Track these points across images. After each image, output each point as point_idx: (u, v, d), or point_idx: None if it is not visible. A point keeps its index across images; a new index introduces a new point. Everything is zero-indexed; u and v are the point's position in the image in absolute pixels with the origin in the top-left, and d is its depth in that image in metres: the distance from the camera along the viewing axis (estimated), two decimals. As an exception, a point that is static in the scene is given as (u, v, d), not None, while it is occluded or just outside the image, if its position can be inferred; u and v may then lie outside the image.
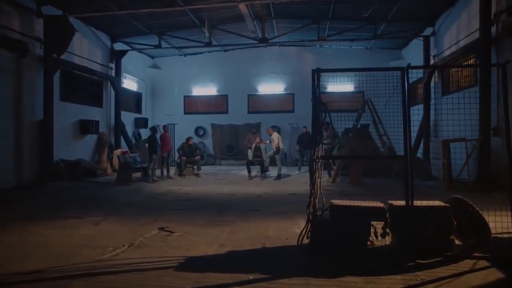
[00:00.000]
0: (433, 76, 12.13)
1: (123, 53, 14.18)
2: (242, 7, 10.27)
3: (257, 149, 11.81)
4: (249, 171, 11.67)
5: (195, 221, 5.66)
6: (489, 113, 8.51)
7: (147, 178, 10.76)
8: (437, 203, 4.01)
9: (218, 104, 17.76)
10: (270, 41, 13.30)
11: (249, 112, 17.38)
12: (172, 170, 12.26)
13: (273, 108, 17.30)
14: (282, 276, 3.33)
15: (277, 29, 14.35)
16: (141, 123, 16.23)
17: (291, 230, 5.05)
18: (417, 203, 3.99)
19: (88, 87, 12.86)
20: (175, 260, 3.78)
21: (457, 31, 10.68)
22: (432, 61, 12.36)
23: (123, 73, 14.65)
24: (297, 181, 11.10)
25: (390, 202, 4.18)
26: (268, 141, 12.35)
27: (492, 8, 8.61)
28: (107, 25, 12.91)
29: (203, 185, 10.22)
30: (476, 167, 8.88)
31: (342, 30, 13.16)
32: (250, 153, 12.93)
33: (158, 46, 13.90)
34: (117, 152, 13.29)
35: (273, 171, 12.39)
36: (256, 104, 17.52)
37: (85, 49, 12.35)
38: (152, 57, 17.62)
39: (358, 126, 11.18)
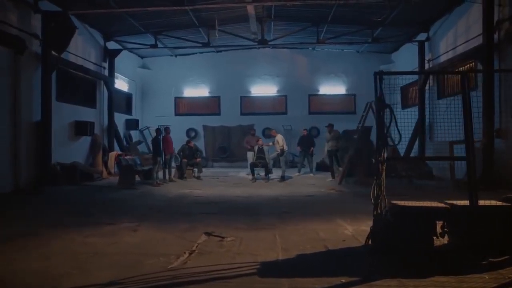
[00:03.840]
0: (428, 79, 12.59)
1: (116, 52, 13.68)
2: (249, 8, 10.20)
3: (260, 151, 11.75)
4: (253, 173, 11.59)
5: (234, 225, 5.53)
6: (492, 115, 8.92)
7: (152, 181, 10.43)
8: (499, 202, 4.15)
9: (210, 106, 17.53)
10: (269, 42, 13.30)
11: (241, 114, 17.27)
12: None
13: (266, 109, 17.31)
14: (372, 278, 3.31)
15: (274, 31, 14.38)
16: (132, 124, 15.70)
17: (341, 232, 5.06)
18: (480, 203, 4.10)
19: (82, 87, 12.30)
20: (251, 266, 3.67)
21: (454, 37, 11.15)
22: (427, 66, 12.83)
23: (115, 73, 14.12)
24: (302, 182, 11.15)
25: (450, 202, 4.27)
26: (271, 143, 12.33)
27: (494, 16, 9.06)
28: (102, 23, 12.41)
29: (211, 187, 10.04)
30: (480, 168, 9.28)
31: (340, 34, 13.39)
32: (249, 155, 12.85)
33: (155, 46, 13.52)
34: (113, 154, 12.81)
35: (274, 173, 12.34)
36: (249, 105, 17.45)
37: (80, 47, 11.79)
38: (142, 57, 17.11)
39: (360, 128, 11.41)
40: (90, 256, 3.97)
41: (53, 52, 9.76)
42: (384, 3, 9.54)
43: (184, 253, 4.10)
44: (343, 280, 3.27)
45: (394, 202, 4.29)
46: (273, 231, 5.09)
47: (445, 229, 4.23)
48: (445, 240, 4.26)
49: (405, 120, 13.78)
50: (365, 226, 5.28)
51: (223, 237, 4.77)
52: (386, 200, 4.36)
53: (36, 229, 5.18)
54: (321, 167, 14.30)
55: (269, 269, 3.62)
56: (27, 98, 9.33)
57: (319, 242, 4.53)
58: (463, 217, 4.08)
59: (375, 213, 4.23)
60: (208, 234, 4.93)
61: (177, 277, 3.36)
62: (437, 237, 4.21)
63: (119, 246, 4.40)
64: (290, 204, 7.47)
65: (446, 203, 4.28)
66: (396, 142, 4.43)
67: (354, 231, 5.08)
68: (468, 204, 4.10)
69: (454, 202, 4.25)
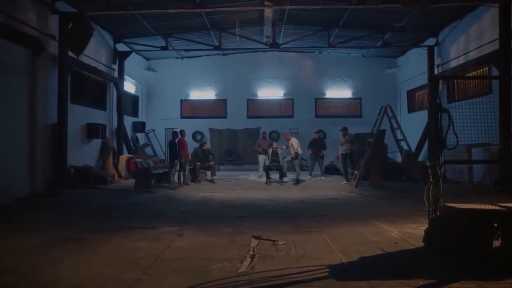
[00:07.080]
0: (438, 84, 12.78)
1: (126, 54, 13.55)
2: (267, 11, 10.22)
3: (275, 154, 11.76)
4: (267, 177, 11.55)
5: (277, 228, 5.51)
6: (508, 120, 9.08)
7: (169, 184, 10.34)
8: (554, 205, 4.23)
9: (217, 109, 17.47)
10: (281, 46, 13.34)
11: (248, 117, 17.26)
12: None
13: (272, 113, 17.33)
14: (450, 280, 3.34)
15: (284, 34, 14.40)
16: (139, 127, 15.53)
17: (387, 234, 5.09)
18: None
19: (93, 89, 12.14)
20: (321, 270, 3.66)
21: (466, 42, 11.35)
22: (436, 71, 13.03)
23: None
24: (317, 186, 11.18)
25: (504, 204, 4.34)
26: (284, 146, 12.35)
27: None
28: (114, 25, 12.27)
29: (229, 191, 9.99)
30: (496, 171, 9.45)
31: (350, 38, 13.51)
32: (260, 158, 12.85)
33: (165, 48, 13.43)
34: (123, 157, 12.66)
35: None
36: (255, 109, 17.45)
37: (92, 49, 11.58)
38: (148, 59, 16.97)
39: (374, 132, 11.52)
40: (151, 262, 3.90)
41: (69, 53, 9.60)
42: (402, 8, 9.64)
43: (245, 257, 4.06)
44: (421, 282, 3.29)
45: (449, 204, 4.34)
46: (321, 234, 5.09)
47: (499, 231, 4.31)
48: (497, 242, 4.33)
49: (412, 124, 14.04)
50: (408, 229, 5.37)
51: (274, 241, 4.74)
52: (442, 202, 4.41)
53: (77, 234, 5.07)
54: (330, 170, 14.37)
55: (340, 272, 3.62)
56: (44, 100, 9.16)
57: (373, 245, 4.54)
58: (520, 219, 4.15)
59: (432, 215, 4.27)
60: (257, 238, 4.90)
61: (255, 282, 3.33)
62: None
63: (175, 251, 4.33)
64: (319, 207, 7.47)
65: (500, 205, 4.36)
66: (452, 146, 4.46)
67: (399, 233, 5.12)
68: (525, 206, 4.18)
69: (508, 204, 4.32)
